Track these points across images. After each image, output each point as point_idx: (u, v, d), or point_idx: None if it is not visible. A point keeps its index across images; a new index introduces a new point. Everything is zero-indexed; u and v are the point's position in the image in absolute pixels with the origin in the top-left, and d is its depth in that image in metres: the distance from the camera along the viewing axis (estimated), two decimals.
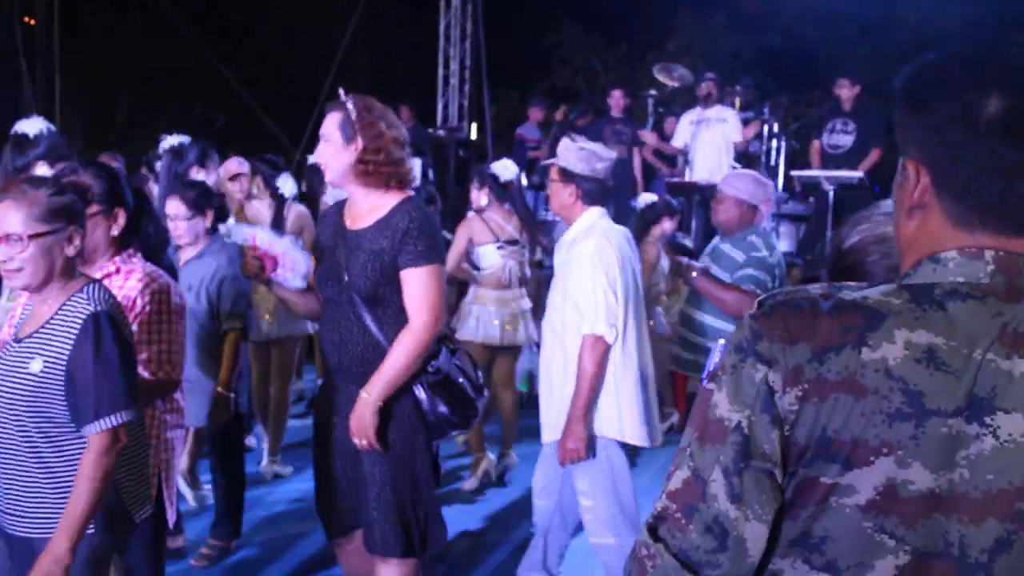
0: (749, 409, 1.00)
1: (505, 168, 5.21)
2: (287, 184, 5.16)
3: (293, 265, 3.00)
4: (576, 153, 3.20)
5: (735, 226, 3.90)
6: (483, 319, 4.98)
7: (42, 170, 3.56)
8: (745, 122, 8.91)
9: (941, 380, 0.97)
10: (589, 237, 3.17)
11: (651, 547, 1.05)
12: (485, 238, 5.03)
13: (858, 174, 7.35)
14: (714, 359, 1.14)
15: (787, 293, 1.06)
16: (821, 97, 13.96)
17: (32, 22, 14.47)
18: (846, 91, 7.75)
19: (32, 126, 3.64)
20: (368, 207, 2.75)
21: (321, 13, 18.50)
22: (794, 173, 8.38)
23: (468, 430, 3.14)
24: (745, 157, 9.22)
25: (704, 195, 7.99)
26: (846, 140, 7.69)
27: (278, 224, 4.98)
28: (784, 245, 8.60)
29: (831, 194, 7.37)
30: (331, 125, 2.73)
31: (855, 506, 0.99)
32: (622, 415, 3.14)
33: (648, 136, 9.24)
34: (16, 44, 13.73)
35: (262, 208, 5.12)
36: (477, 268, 5.02)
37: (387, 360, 2.67)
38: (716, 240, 4.10)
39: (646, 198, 5.90)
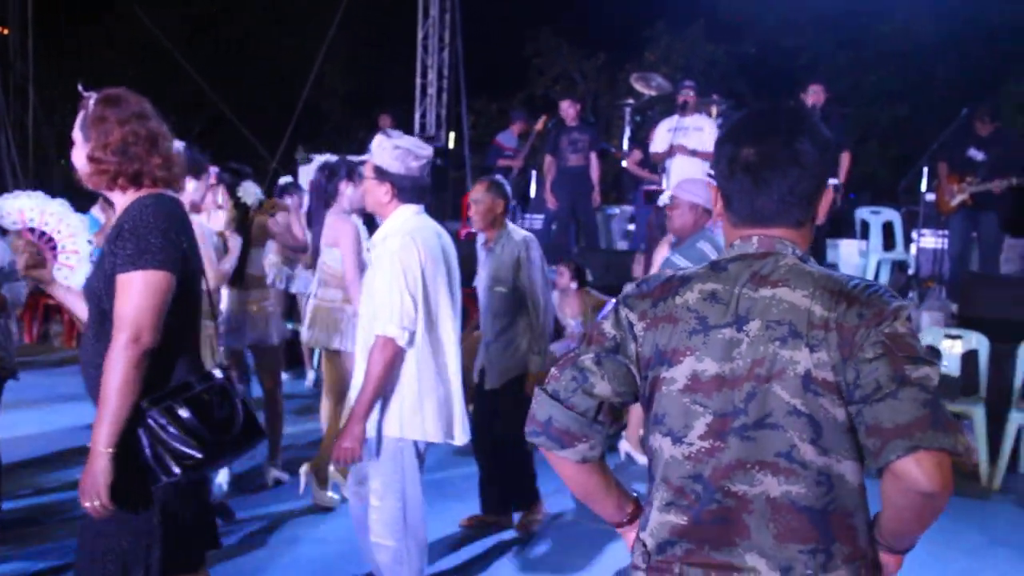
0: (621, 331, 1.66)
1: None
2: (249, 191, 4.92)
3: (73, 241, 2.77)
4: (391, 152, 3.12)
5: (689, 230, 4.00)
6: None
7: (190, 185, 4.01)
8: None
9: (718, 308, 1.59)
10: (395, 236, 3.09)
11: (538, 393, 1.69)
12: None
13: (834, 181, 7.40)
14: (607, 309, 1.75)
15: (651, 275, 1.78)
16: (798, 105, 14.10)
17: (5, 31, 14.37)
18: (819, 97, 7.81)
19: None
20: (118, 210, 2.48)
21: (298, 22, 18.49)
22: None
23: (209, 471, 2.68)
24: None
25: None
26: None
27: (243, 234, 4.80)
28: None
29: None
30: (75, 126, 2.54)
31: (676, 390, 1.60)
32: (424, 416, 3.09)
33: (631, 156, 9.30)
34: None
35: (223, 217, 4.92)
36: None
37: (101, 393, 2.29)
38: (668, 253, 4.15)
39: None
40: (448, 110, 13.92)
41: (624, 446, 5.72)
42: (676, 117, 8.18)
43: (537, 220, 9.88)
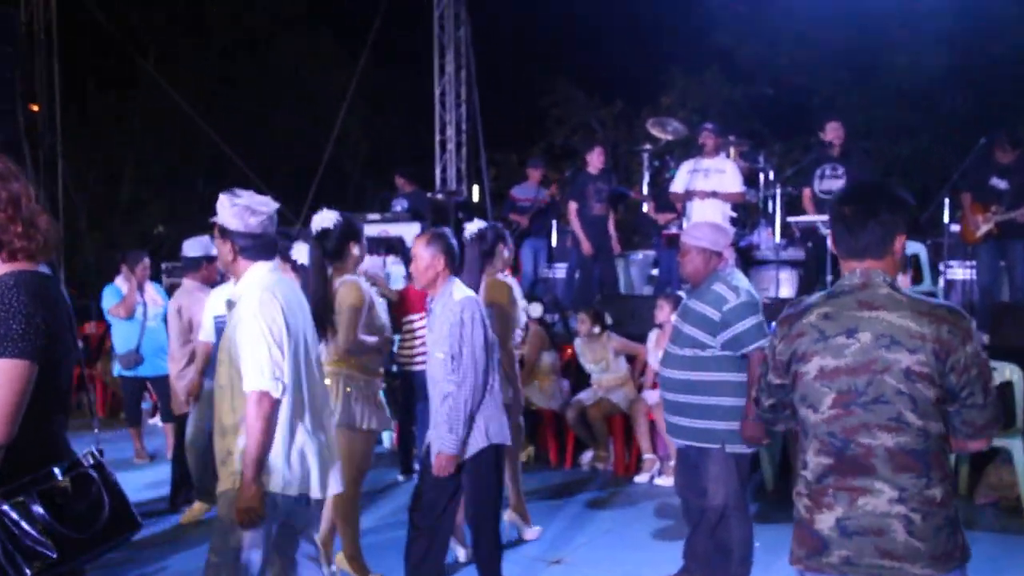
0: (770, 349, 2.56)
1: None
2: (302, 252, 5.12)
3: None
4: (229, 209, 3.10)
5: (702, 275, 4.05)
6: None
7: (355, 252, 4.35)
8: (746, 172, 8.95)
9: (832, 324, 2.40)
10: (253, 292, 3.07)
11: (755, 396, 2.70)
12: None
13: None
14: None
15: (791, 302, 2.63)
16: (816, 143, 14.13)
17: (35, 108, 14.75)
18: (837, 135, 7.79)
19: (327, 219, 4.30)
20: None
21: (318, 84, 18.85)
22: (791, 219, 8.38)
23: None
24: (743, 206, 9.25)
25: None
26: (837, 184, 7.70)
27: (324, 297, 4.85)
28: (785, 290, 8.58)
29: (828, 238, 7.36)
30: None
31: (810, 379, 2.42)
32: (291, 468, 3.07)
33: (649, 202, 9.36)
34: (19, 131, 13.96)
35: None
36: None
37: None
38: (684, 298, 4.17)
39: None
40: (468, 164, 14.08)
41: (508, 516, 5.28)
42: (696, 158, 8.21)
43: (560, 269, 9.91)
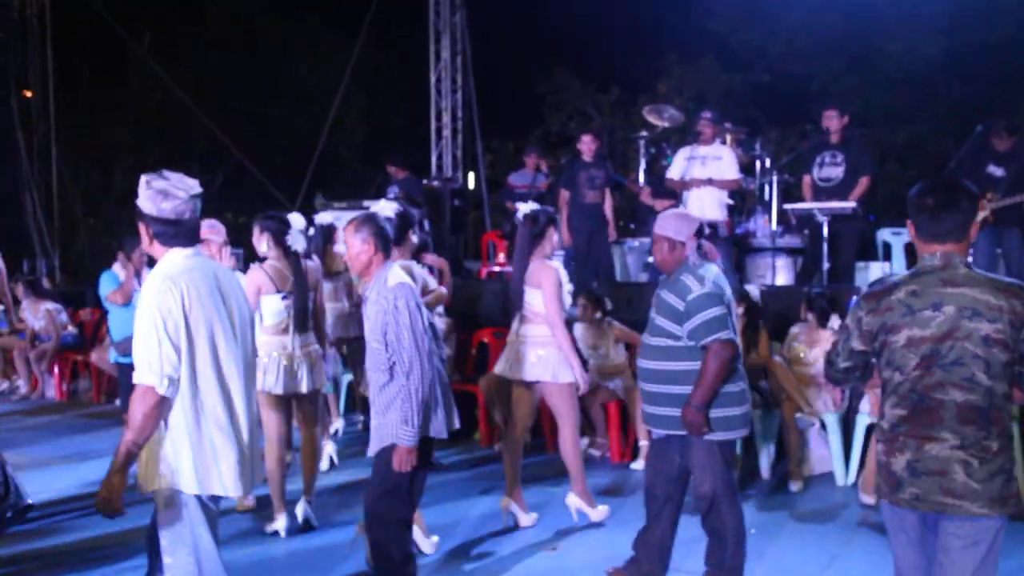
0: (854, 320, 2.92)
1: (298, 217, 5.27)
2: (298, 241, 5.17)
3: None
4: (144, 192, 3.08)
5: (670, 265, 4.08)
6: (269, 369, 5.00)
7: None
8: (743, 159, 8.94)
9: (919, 299, 2.78)
10: (152, 282, 3.02)
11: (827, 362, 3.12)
12: (267, 288, 5.06)
13: (851, 204, 7.36)
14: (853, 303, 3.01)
15: (874, 280, 3.03)
16: (812, 130, 14.08)
17: (29, 94, 14.68)
18: (834, 122, 7.74)
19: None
20: None
21: (313, 71, 18.77)
22: (788, 207, 8.38)
23: None
24: (739, 193, 9.24)
25: (700, 232, 7.97)
26: (836, 172, 7.69)
27: (300, 282, 5.10)
28: (781, 278, 8.58)
29: (825, 225, 7.37)
30: None
31: (899, 345, 2.79)
32: (199, 467, 3.00)
33: (643, 190, 9.35)
34: (13, 118, 13.90)
35: (280, 267, 5.16)
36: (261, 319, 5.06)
37: None
38: (659, 288, 4.21)
39: None
40: (464, 151, 14.04)
41: (573, 502, 5.33)
42: (693, 145, 8.19)
43: (557, 257, 9.88)
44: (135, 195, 3.17)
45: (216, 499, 3.12)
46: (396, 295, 3.62)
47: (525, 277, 5.01)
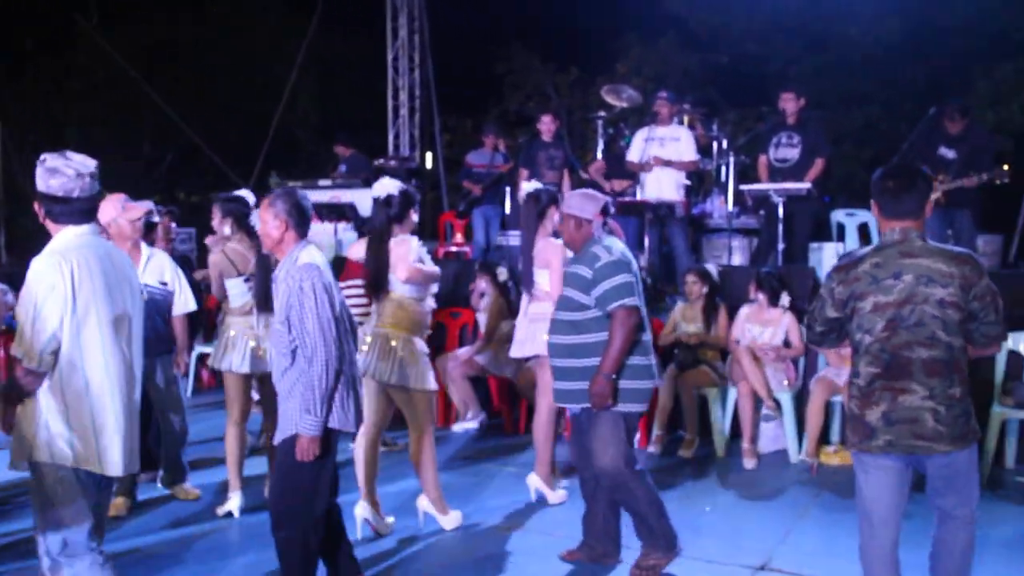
0: (827, 290, 3.29)
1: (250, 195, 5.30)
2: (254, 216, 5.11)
3: None
4: (37, 171, 3.09)
5: (578, 242, 4.18)
6: (236, 347, 5.00)
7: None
8: (696, 140, 8.95)
9: (881, 270, 3.16)
10: (41, 258, 3.01)
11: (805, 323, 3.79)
12: (228, 272, 5.08)
13: (806, 185, 7.40)
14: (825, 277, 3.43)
15: (843, 255, 3.42)
16: (769, 112, 14.16)
17: None
18: (791, 104, 7.78)
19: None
20: None
21: (268, 48, 18.45)
22: (744, 187, 8.43)
23: None
24: (696, 174, 9.26)
25: (656, 213, 7.99)
26: (792, 153, 7.74)
27: (264, 264, 4.81)
28: (737, 257, 8.64)
29: (780, 206, 7.42)
30: None
31: (867, 311, 3.17)
32: (77, 442, 3.02)
33: (593, 164, 9.35)
34: None
35: (242, 249, 5.11)
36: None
37: None
38: (567, 266, 4.28)
39: None
40: (422, 130, 13.92)
41: (533, 482, 5.30)
42: (651, 127, 8.19)
43: (515, 237, 9.84)
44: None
45: (96, 476, 3.10)
46: (303, 276, 3.42)
47: (534, 256, 5.06)
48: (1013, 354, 5.88)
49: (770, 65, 16.68)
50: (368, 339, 4.55)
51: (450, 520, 4.82)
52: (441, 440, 6.71)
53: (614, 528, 4.27)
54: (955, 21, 14.65)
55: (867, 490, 3.25)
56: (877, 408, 3.17)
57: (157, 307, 5.16)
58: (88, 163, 3.11)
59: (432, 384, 4.57)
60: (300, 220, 3.59)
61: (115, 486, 5.08)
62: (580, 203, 4.17)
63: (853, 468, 3.32)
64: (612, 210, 4.33)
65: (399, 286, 4.54)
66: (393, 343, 4.49)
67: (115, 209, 4.97)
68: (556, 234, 4.97)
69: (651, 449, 6.34)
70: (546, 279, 5.01)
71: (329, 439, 3.50)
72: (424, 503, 4.82)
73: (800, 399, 6.25)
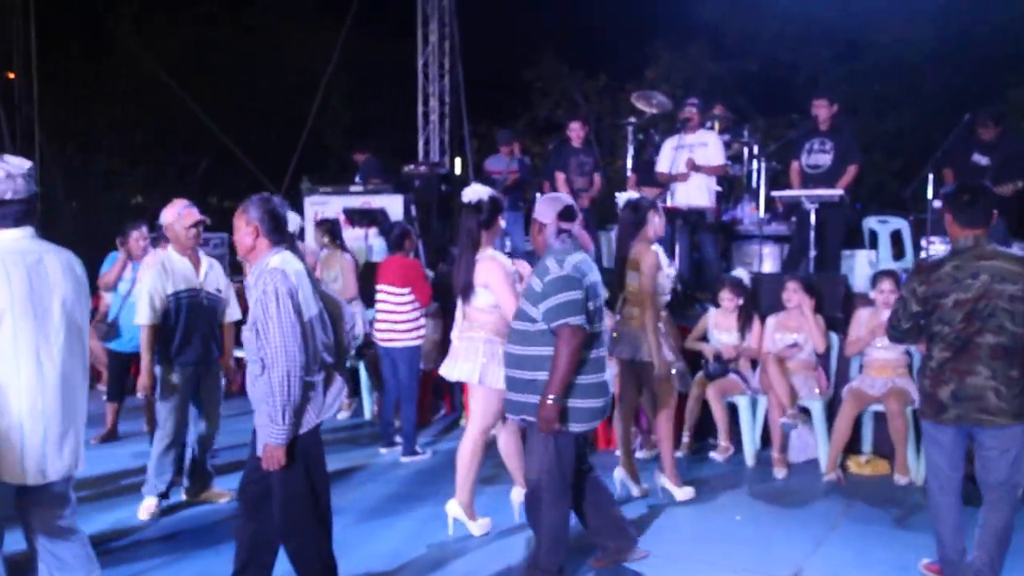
0: (908, 291, 3.93)
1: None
2: (293, 220, 5.20)
3: None
4: None
5: (541, 247, 4.08)
6: None
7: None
8: (727, 145, 8.92)
9: (960, 271, 3.79)
10: None
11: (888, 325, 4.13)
12: None
13: (838, 192, 7.35)
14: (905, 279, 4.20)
15: (921, 259, 4.41)
16: (799, 119, 14.06)
17: (12, 76, 14.49)
18: (824, 111, 7.73)
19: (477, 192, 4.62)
20: None
21: (299, 55, 18.60)
22: (775, 194, 8.37)
23: None
24: (727, 180, 9.23)
25: (687, 220, 7.96)
26: (824, 159, 7.69)
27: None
28: (768, 264, 8.59)
29: (812, 213, 7.37)
30: None
31: (948, 307, 3.79)
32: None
33: (629, 180, 9.35)
34: None
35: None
36: None
37: None
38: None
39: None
40: (451, 136, 13.97)
41: (618, 474, 5.48)
42: (680, 135, 8.17)
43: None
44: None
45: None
46: (267, 280, 3.38)
47: (628, 260, 5.21)
48: None
49: (800, 72, 16.59)
50: (457, 343, 4.75)
51: (477, 526, 4.83)
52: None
53: (619, 518, 4.20)
54: (988, 29, 14.49)
55: (931, 454, 3.97)
56: (947, 387, 3.81)
57: (215, 314, 5.29)
58: (23, 164, 3.08)
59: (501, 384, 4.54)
60: (273, 227, 3.55)
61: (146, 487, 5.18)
62: (541, 207, 4.06)
63: (927, 445, 4.01)
64: (579, 216, 4.14)
65: (484, 294, 4.62)
66: (481, 345, 4.62)
67: (174, 215, 5.10)
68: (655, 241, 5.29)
69: (679, 454, 6.32)
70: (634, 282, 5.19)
71: (304, 442, 3.46)
72: (453, 508, 4.84)
73: (831, 407, 6.20)
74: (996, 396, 3.73)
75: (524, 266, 4.82)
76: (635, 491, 5.45)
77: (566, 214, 3.99)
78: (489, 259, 4.62)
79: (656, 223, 5.25)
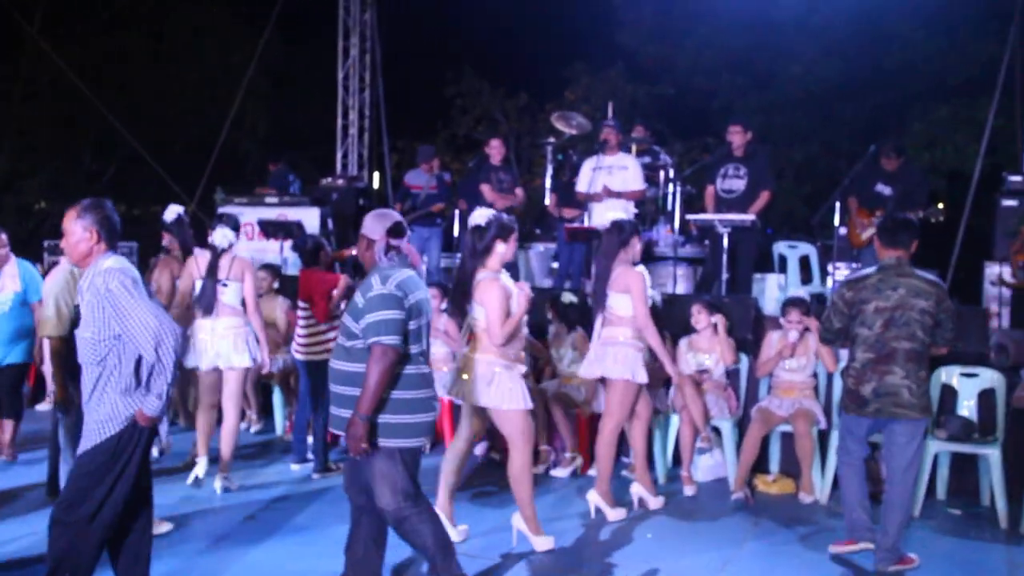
0: (839, 296, 4.78)
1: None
2: (221, 235, 5.87)
3: None
4: None
5: (366, 262, 3.96)
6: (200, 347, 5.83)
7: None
8: (649, 169, 9.06)
9: (884, 283, 4.64)
10: None
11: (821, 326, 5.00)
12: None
13: (750, 217, 7.54)
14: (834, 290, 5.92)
15: (850, 273, 6.52)
16: (714, 143, 14.42)
17: None
18: (738, 137, 7.92)
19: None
20: None
21: (217, 62, 18.25)
22: (690, 217, 8.55)
23: None
24: (642, 203, 9.38)
25: (395, 232, 8.00)
26: (738, 184, 7.88)
27: (211, 273, 5.82)
28: (682, 286, 8.75)
29: (725, 236, 7.54)
30: None
31: (870, 312, 4.63)
32: None
33: (550, 198, 9.42)
34: None
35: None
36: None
37: None
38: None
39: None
40: (370, 150, 13.88)
41: (592, 498, 5.48)
42: (598, 156, 8.27)
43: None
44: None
45: None
46: (107, 278, 3.43)
47: (610, 282, 5.34)
48: (946, 387, 6.05)
49: (715, 99, 17.02)
50: (462, 362, 4.78)
51: (542, 542, 4.84)
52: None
53: (375, 563, 3.96)
54: (894, 63, 15.13)
55: (848, 442, 4.80)
56: (868, 384, 4.59)
57: None
58: None
59: (519, 403, 4.66)
60: (110, 233, 3.57)
61: None
62: (371, 223, 3.93)
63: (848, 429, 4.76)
64: (408, 233, 4.05)
65: (480, 312, 4.66)
66: (484, 367, 4.68)
67: None
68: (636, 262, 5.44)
69: (593, 472, 6.35)
70: (622, 303, 5.31)
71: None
72: (517, 521, 4.89)
73: (741, 427, 6.33)
74: (909, 393, 4.54)
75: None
76: (652, 502, 5.70)
77: (395, 231, 3.90)
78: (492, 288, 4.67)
79: (637, 246, 5.43)
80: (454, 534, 4.86)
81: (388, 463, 3.73)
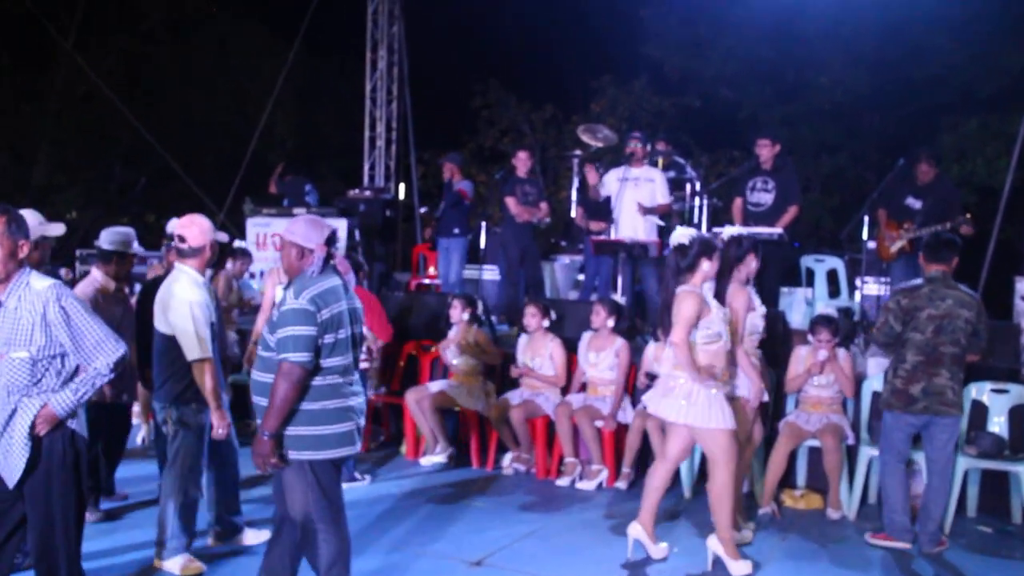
0: (894, 303, 5.30)
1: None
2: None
3: None
4: None
5: (294, 271, 3.75)
6: None
7: None
8: (674, 183, 9.06)
9: (934, 293, 5.20)
10: None
11: (869, 334, 6.35)
12: None
13: (778, 230, 7.50)
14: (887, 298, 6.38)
15: (904, 284, 5.57)
16: (740, 156, 14.37)
17: None
18: (766, 150, 7.88)
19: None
20: None
21: (246, 74, 18.45)
22: (716, 229, 8.51)
23: None
24: (668, 216, 9.37)
25: (630, 253, 8.05)
26: (766, 198, 7.85)
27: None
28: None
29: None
30: None
31: (922, 317, 5.17)
32: None
33: (577, 212, 9.44)
34: None
35: None
36: None
37: None
38: (283, 292, 3.85)
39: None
40: (397, 162, 13.98)
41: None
42: (624, 167, 8.27)
43: (488, 270, 9.88)
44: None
45: None
46: (56, 294, 3.42)
47: (725, 299, 5.13)
48: (976, 403, 5.99)
49: (741, 110, 16.98)
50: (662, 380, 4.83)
51: (740, 567, 4.69)
52: (410, 474, 6.69)
53: (288, 571, 3.84)
54: (923, 75, 15.03)
55: (894, 439, 5.26)
56: (918, 384, 5.12)
57: None
58: None
59: (717, 423, 4.60)
60: (32, 246, 3.61)
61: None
62: (305, 230, 3.73)
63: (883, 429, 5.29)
64: (338, 242, 3.93)
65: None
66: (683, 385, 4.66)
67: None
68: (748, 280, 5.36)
69: (619, 485, 6.35)
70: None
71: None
72: (713, 543, 4.80)
73: (768, 442, 6.29)
74: (952, 393, 5.11)
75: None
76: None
77: (332, 240, 3.78)
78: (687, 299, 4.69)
79: (752, 265, 5.31)
80: (655, 551, 4.88)
81: (297, 475, 3.64)
